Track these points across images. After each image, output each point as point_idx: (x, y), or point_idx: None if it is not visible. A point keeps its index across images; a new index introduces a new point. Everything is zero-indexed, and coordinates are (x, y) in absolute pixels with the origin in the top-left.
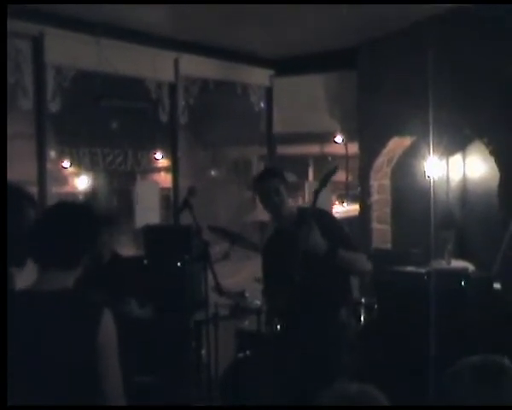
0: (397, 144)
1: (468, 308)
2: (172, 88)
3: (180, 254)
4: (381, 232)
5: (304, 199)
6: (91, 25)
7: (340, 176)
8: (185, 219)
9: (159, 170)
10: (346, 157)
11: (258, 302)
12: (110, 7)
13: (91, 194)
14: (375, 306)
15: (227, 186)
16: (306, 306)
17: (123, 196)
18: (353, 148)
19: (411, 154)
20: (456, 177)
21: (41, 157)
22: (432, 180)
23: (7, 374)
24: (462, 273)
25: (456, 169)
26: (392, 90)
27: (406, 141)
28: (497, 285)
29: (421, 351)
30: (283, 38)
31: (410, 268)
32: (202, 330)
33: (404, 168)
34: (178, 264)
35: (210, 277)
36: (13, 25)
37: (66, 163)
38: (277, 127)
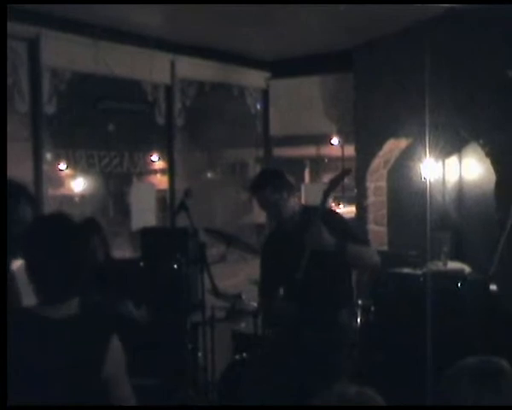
0: (393, 146)
1: (464, 310)
2: (169, 90)
3: (176, 256)
4: (378, 234)
5: (300, 201)
6: (88, 27)
7: None
8: (182, 221)
9: (155, 172)
10: (343, 159)
11: (254, 304)
12: (107, 9)
13: (87, 196)
14: (372, 308)
15: (223, 188)
16: (307, 306)
17: (119, 198)
18: (349, 150)
19: (408, 156)
20: (452, 179)
21: (37, 159)
22: (428, 182)
23: (7, 375)
24: (458, 275)
25: (452, 171)
26: (388, 91)
27: (402, 143)
28: (493, 287)
29: (418, 353)
30: (280, 40)
31: (406, 270)
32: (199, 332)
33: (401, 170)
34: (175, 266)
35: (206, 279)
36: (9, 26)
37: (62, 165)
38: (274, 129)
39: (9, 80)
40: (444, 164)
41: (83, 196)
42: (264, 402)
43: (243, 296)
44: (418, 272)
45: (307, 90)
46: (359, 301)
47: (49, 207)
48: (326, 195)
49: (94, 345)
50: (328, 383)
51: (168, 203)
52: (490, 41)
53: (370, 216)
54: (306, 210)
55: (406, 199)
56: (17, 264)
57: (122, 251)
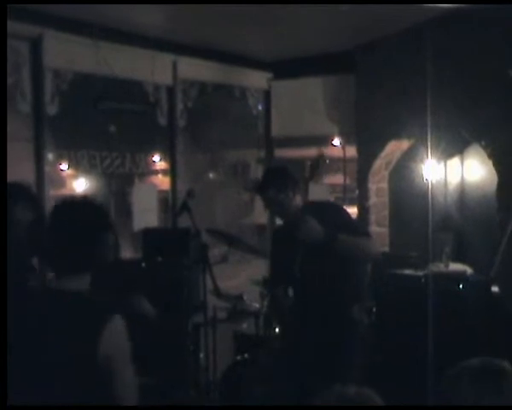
0: (395, 147)
1: (466, 311)
2: (170, 91)
3: (178, 256)
4: (379, 235)
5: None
6: (90, 27)
7: (338, 179)
8: (183, 222)
9: (157, 173)
10: (344, 160)
11: (256, 305)
12: (108, 9)
13: (89, 196)
14: (374, 309)
15: (225, 189)
16: (316, 302)
17: (121, 199)
18: (351, 151)
19: (409, 157)
20: (454, 180)
21: (39, 160)
22: (430, 183)
23: (7, 372)
24: (460, 276)
25: (454, 172)
26: (390, 92)
27: (404, 144)
28: (495, 288)
29: (420, 354)
30: (281, 40)
31: (408, 271)
32: (200, 332)
33: (402, 171)
34: (176, 267)
35: (208, 280)
36: (11, 26)
37: (63, 166)
38: (275, 130)
39: (11, 80)
40: (446, 165)
41: (84, 197)
42: (274, 400)
43: (245, 297)
44: (420, 273)
45: (309, 92)
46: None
47: (50, 209)
48: (307, 181)
49: (94, 321)
50: (339, 379)
51: (170, 204)
52: (492, 41)
53: (372, 217)
54: (305, 204)
55: (408, 200)
56: None
57: (123, 252)
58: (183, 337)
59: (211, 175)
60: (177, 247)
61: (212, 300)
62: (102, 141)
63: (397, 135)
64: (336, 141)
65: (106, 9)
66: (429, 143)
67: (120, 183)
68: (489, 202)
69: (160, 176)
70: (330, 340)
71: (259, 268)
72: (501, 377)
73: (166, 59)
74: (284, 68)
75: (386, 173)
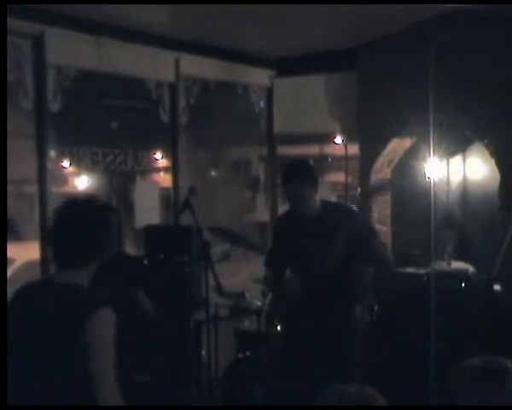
0: (397, 145)
1: (468, 310)
2: (173, 88)
3: (180, 254)
4: (382, 233)
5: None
6: (92, 24)
7: (340, 177)
8: (185, 219)
9: (159, 170)
10: (346, 158)
11: (258, 303)
12: (111, 6)
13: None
14: (376, 307)
15: (227, 186)
16: (319, 300)
17: (123, 196)
18: (353, 149)
19: (412, 155)
20: (456, 178)
21: (41, 156)
22: (432, 181)
23: (7, 371)
24: (462, 275)
25: (456, 170)
26: (392, 90)
27: (407, 142)
28: (497, 287)
29: (422, 352)
30: (284, 38)
31: (410, 269)
32: (202, 330)
33: (405, 169)
34: (178, 264)
35: (210, 277)
36: (14, 23)
37: (65, 163)
38: (277, 128)
39: (14, 77)
40: (448, 163)
41: (86, 194)
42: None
43: (247, 295)
44: (422, 271)
45: (311, 89)
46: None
47: (52, 205)
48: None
49: (82, 310)
50: (340, 377)
51: (172, 201)
52: (494, 40)
53: (374, 215)
54: (329, 205)
55: (410, 198)
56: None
57: (126, 249)
58: (185, 335)
59: (213, 172)
60: (179, 244)
61: (213, 297)
62: (105, 138)
63: (399, 133)
64: (338, 139)
65: (108, 7)
66: (432, 142)
67: (122, 180)
68: (491, 201)
69: (161, 173)
70: (332, 338)
71: (261, 266)
72: (503, 376)
73: (169, 56)
74: (287, 66)
75: (388, 171)
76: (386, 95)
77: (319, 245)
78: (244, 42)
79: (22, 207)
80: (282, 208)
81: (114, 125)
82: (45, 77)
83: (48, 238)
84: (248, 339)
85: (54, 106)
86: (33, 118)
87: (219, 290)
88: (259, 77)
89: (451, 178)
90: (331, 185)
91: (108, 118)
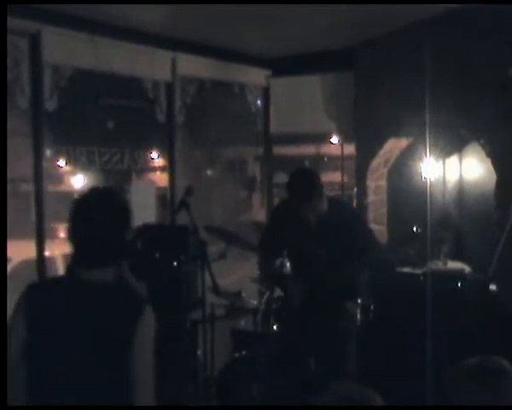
0: (394, 145)
1: (464, 310)
2: (169, 87)
3: (176, 253)
4: (378, 233)
5: None
6: (89, 23)
7: (336, 177)
8: (181, 218)
9: (155, 169)
10: (342, 158)
11: (254, 302)
12: (108, 5)
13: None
14: (372, 307)
15: (223, 186)
16: (316, 298)
17: None
18: (349, 149)
19: (408, 155)
20: (452, 178)
21: (37, 155)
22: (428, 181)
23: (7, 372)
24: (458, 274)
25: (452, 170)
26: (389, 90)
27: (403, 142)
28: (493, 287)
29: (418, 352)
30: (281, 37)
31: (406, 269)
32: (198, 329)
33: (401, 169)
34: (175, 263)
35: (206, 277)
36: (10, 21)
37: (61, 162)
38: (274, 127)
39: (11, 76)
40: (444, 163)
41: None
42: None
43: (243, 294)
44: (418, 271)
45: (308, 89)
46: (359, 300)
47: (48, 204)
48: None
49: (127, 312)
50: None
51: (168, 201)
52: (491, 40)
53: (370, 215)
54: (332, 203)
55: (406, 198)
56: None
57: None
58: (181, 334)
59: (209, 172)
60: (175, 244)
61: (210, 297)
62: (101, 137)
63: (396, 133)
64: (335, 139)
65: (105, 6)
66: (428, 142)
67: (118, 179)
68: (487, 201)
69: (158, 173)
70: (328, 337)
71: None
72: (499, 376)
73: (165, 56)
74: (283, 65)
75: (384, 171)
76: (383, 95)
77: (321, 243)
78: (241, 41)
79: (18, 206)
80: None
81: (111, 124)
82: (42, 76)
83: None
84: (245, 339)
85: (50, 105)
86: (30, 117)
87: (215, 290)
88: (256, 77)
89: (448, 178)
90: (327, 185)
91: (105, 117)
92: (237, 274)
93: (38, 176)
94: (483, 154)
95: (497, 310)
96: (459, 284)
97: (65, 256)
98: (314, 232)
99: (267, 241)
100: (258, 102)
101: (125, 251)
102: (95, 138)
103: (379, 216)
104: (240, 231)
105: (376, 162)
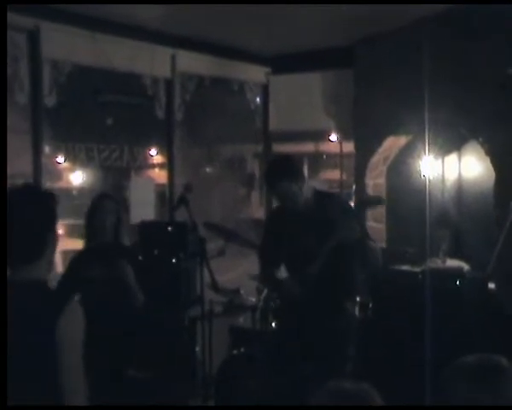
0: (393, 143)
1: (462, 308)
2: (169, 84)
3: (175, 250)
4: (376, 231)
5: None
6: (88, 19)
7: (335, 174)
8: (180, 215)
9: (154, 166)
10: (341, 156)
11: (252, 299)
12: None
13: (86, 190)
14: (370, 305)
15: (222, 183)
16: (313, 296)
17: (118, 192)
18: (348, 146)
19: (407, 153)
20: (451, 176)
21: (36, 152)
22: (427, 179)
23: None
24: (457, 273)
25: (451, 169)
26: (388, 89)
27: (402, 140)
28: (491, 285)
29: (416, 350)
30: (280, 35)
31: (405, 267)
32: (197, 326)
33: (400, 167)
34: (173, 260)
35: (205, 273)
36: (9, 18)
37: (60, 158)
38: (273, 125)
39: (10, 72)
40: (443, 161)
41: (81, 190)
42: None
43: (242, 291)
44: (417, 269)
45: (307, 86)
46: (357, 298)
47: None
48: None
49: (52, 308)
50: (334, 373)
51: (167, 198)
52: (490, 38)
53: (369, 213)
54: (320, 195)
55: (405, 196)
56: None
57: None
58: (180, 331)
59: (208, 169)
60: (174, 241)
61: (208, 294)
62: (100, 134)
63: (395, 131)
64: (333, 136)
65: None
66: (427, 140)
67: (117, 176)
68: (486, 199)
69: (156, 170)
70: (325, 335)
71: (256, 262)
72: (498, 374)
73: (165, 52)
74: (282, 63)
75: (383, 169)
76: (382, 93)
77: (310, 237)
78: (240, 39)
79: None
80: None
81: (110, 120)
82: (41, 72)
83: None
84: (243, 335)
85: (49, 101)
86: (29, 113)
87: (214, 287)
88: (255, 74)
89: (446, 176)
90: (326, 183)
91: (104, 114)
92: (236, 271)
93: (37, 172)
94: (482, 152)
95: (496, 308)
96: (458, 282)
97: (64, 253)
98: (301, 224)
99: (266, 252)
100: (258, 99)
101: (45, 247)
102: (94, 135)
103: (378, 214)
104: (238, 228)
105: (375, 160)
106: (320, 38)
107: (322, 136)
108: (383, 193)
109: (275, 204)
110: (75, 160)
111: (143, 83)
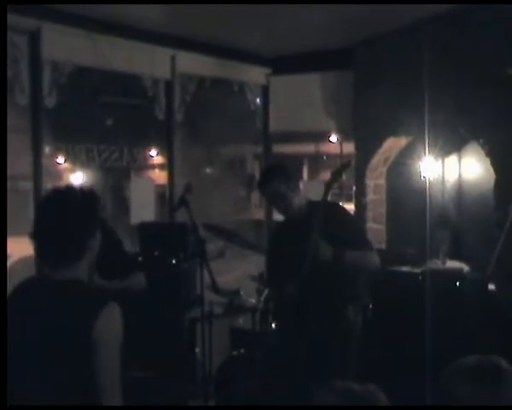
0: (393, 144)
1: (462, 309)
2: (169, 85)
3: (175, 251)
4: (376, 232)
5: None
6: (89, 21)
7: None
8: (180, 216)
9: (154, 167)
10: (341, 156)
11: (252, 300)
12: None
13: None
14: (370, 306)
15: (222, 184)
16: (313, 301)
17: (118, 193)
18: (348, 147)
19: (407, 154)
20: (451, 177)
21: (37, 152)
22: (427, 180)
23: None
24: (457, 274)
25: (451, 170)
26: (388, 89)
27: (402, 141)
28: (491, 286)
29: (417, 351)
30: (280, 36)
31: (405, 268)
32: (197, 327)
33: (400, 168)
34: (173, 261)
35: (205, 274)
36: (10, 19)
37: (60, 159)
38: (273, 126)
39: (10, 73)
40: (443, 163)
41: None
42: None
43: (241, 292)
44: (417, 270)
45: (307, 87)
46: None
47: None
48: (327, 187)
49: (90, 307)
50: (335, 376)
51: (167, 198)
52: (490, 39)
53: (369, 214)
54: (311, 204)
55: (405, 197)
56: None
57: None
58: (180, 332)
59: (208, 170)
60: (174, 241)
61: (208, 295)
62: (100, 134)
63: (395, 132)
64: (334, 137)
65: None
66: (427, 141)
67: (117, 177)
68: (486, 200)
69: (156, 170)
70: (325, 337)
71: (256, 263)
72: (497, 375)
73: (165, 53)
74: (283, 64)
75: (383, 170)
76: (382, 94)
77: (304, 245)
78: (240, 39)
79: (17, 203)
80: None
81: (110, 121)
82: (41, 73)
83: (37, 235)
84: (243, 337)
85: (49, 102)
86: (29, 114)
87: (214, 288)
88: (255, 75)
89: (447, 177)
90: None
91: (104, 115)
92: (236, 272)
93: (37, 173)
94: (482, 153)
95: (496, 310)
96: (458, 284)
97: None
98: (295, 236)
99: (271, 270)
100: (258, 100)
101: (87, 249)
102: (94, 136)
103: (378, 215)
104: (239, 229)
105: (375, 161)
106: (320, 39)
107: (322, 137)
108: (383, 194)
109: None
110: (75, 160)
111: (143, 84)
